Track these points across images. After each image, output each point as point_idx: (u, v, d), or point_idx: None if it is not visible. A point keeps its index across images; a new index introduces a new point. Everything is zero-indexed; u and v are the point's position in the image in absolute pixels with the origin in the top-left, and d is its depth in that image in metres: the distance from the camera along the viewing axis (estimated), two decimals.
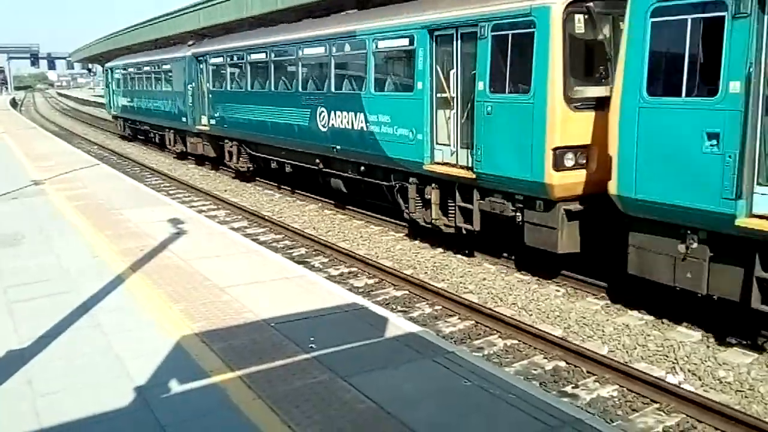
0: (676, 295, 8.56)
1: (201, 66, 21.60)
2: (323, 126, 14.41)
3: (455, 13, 10.51)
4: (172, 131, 26.10)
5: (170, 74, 24.84)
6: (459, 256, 11.95)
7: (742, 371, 7.32)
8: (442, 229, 11.66)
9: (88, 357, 6.29)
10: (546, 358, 7.88)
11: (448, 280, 10.74)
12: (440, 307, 9.56)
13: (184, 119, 23.43)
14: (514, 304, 9.61)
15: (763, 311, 7.19)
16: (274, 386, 5.63)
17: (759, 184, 6.98)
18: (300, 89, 15.39)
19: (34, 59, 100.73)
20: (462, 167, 10.71)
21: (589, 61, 9.53)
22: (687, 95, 7.39)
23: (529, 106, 9.24)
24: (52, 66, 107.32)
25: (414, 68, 11.43)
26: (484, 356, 7.87)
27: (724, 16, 6.88)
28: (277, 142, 17.04)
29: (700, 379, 7.25)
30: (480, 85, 9.97)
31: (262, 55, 17.36)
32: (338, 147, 13.96)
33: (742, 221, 6.99)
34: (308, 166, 15.81)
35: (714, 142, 7.11)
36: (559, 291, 10.10)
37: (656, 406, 6.72)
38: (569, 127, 9.03)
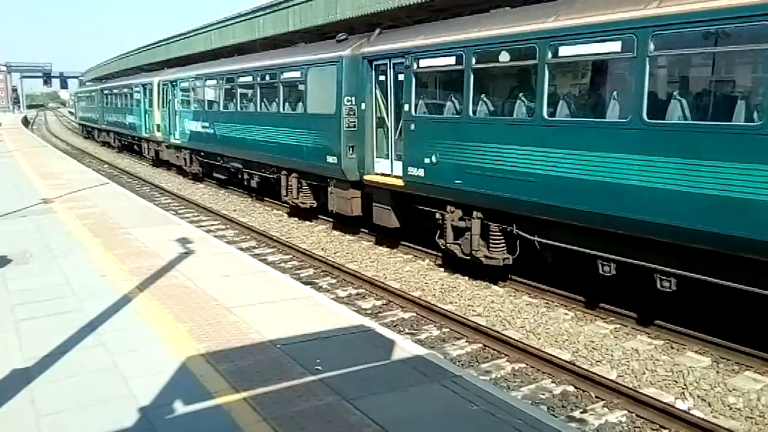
0: (685, 320, 8.50)
1: (103, 94, 43.38)
2: (127, 122, 35.48)
3: (169, 76, 28.30)
4: (96, 129, 49.29)
5: (94, 98, 47.34)
6: (467, 278, 11.92)
7: (752, 397, 7.24)
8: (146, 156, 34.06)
9: (93, 376, 6.27)
10: (554, 382, 7.81)
11: (456, 302, 10.70)
12: (448, 330, 9.51)
13: (98, 122, 46.04)
14: (522, 327, 9.55)
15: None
16: (279, 408, 5.59)
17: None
18: (119, 105, 37.86)
19: (47, 78, 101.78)
20: (154, 134, 30.53)
21: (164, 97, 27.31)
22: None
23: (151, 111, 29.91)
24: (64, 85, 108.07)
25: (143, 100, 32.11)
26: (491, 380, 7.81)
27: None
28: (121, 130, 38.33)
29: (709, 405, 7.16)
30: (155, 106, 29.30)
31: (116, 90, 39.34)
32: (131, 130, 34.76)
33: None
34: (129, 141, 37.77)
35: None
36: (567, 314, 10.03)
37: None
38: (157, 117, 28.95)
